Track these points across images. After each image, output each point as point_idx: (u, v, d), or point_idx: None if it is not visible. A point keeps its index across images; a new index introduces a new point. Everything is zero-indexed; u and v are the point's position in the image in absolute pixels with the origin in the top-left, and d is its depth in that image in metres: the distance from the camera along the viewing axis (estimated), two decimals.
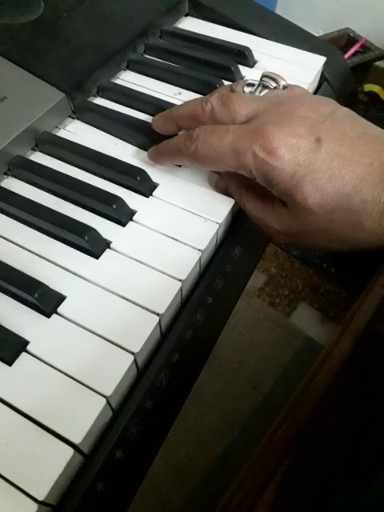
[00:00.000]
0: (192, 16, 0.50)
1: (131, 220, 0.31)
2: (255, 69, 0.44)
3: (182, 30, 0.47)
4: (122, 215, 0.31)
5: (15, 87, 0.36)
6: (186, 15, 0.50)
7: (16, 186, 0.33)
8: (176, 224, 0.30)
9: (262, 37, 0.48)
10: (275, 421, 0.62)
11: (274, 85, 0.32)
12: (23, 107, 0.35)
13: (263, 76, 0.33)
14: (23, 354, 0.25)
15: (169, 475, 0.74)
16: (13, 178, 0.34)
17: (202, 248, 0.29)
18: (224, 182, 0.32)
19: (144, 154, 0.35)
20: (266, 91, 0.32)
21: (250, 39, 0.47)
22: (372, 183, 0.26)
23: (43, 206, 0.31)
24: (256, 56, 0.45)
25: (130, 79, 0.42)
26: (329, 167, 0.26)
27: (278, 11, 0.52)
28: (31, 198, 0.32)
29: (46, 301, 0.26)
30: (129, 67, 0.43)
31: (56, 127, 0.37)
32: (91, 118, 0.38)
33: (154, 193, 0.33)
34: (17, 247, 0.30)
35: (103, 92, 0.40)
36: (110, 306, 0.27)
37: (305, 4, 1.31)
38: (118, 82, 0.42)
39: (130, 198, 0.32)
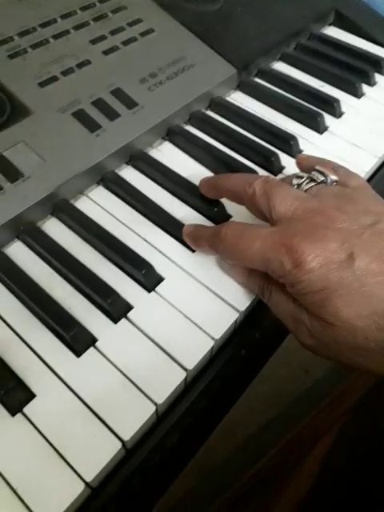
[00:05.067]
0: (335, 26, 0.58)
1: None
2: None
3: (327, 35, 0.56)
4: None
5: (201, 58, 0.45)
6: (330, 24, 0.59)
7: (198, 134, 0.42)
8: None
9: None
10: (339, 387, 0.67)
11: (322, 179, 0.30)
12: (206, 74, 0.45)
13: (313, 169, 0.31)
14: (128, 316, 0.30)
15: (216, 430, 0.82)
16: (193, 128, 0.43)
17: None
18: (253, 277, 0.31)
19: (292, 123, 0.44)
20: (312, 184, 0.30)
21: None
22: None
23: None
24: None
25: (282, 69, 0.51)
26: (362, 284, 0.24)
27: None
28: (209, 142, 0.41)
29: (149, 278, 0.32)
30: (282, 59, 0.52)
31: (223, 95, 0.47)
32: (252, 92, 0.47)
33: None
34: None
35: (262, 74, 0.49)
36: (199, 294, 0.32)
37: None
38: (273, 68, 0.51)
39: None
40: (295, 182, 0.31)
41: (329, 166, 0.32)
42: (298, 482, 0.49)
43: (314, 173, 0.31)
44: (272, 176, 0.32)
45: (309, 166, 0.32)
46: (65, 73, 0.39)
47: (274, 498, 0.50)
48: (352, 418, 0.55)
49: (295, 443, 0.62)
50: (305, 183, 0.30)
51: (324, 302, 0.25)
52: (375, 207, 0.28)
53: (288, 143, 0.42)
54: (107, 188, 0.37)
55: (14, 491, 0.24)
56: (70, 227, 0.34)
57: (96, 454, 0.25)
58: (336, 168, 0.32)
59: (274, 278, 0.27)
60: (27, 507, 0.24)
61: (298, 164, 0.34)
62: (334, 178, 0.31)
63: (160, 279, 0.32)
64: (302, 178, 0.31)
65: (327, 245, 0.25)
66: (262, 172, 0.40)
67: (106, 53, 0.42)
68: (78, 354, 0.28)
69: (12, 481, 0.24)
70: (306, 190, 0.30)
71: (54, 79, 0.39)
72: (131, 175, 0.38)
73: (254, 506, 0.53)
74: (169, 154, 0.40)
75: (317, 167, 0.31)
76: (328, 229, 0.26)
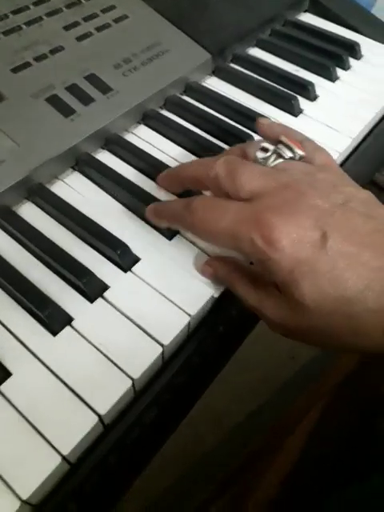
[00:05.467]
0: (310, 13, 0.59)
1: None
2: (361, 61, 0.52)
3: (302, 21, 0.56)
4: None
5: (175, 44, 0.46)
6: (305, 11, 0.59)
7: (173, 118, 0.43)
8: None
9: (369, 37, 0.56)
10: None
11: (290, 155, 0.29)
12: (180, 60, 0.45)
13: (279, 142, 0.29)
14: (104, 295, 0.30)
15: (206, 418, 0.82)
16: (168, 112, 0.43)
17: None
18: (212, 268, 0.31)
19: (267, 106, 0.45)
20: (279, 161, 0.29)
21: (359, 38, 0.55)
22: (379, 291, 0.23)
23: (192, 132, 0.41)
24: (363, 52, 0.53)
25: (257, 54, 0.51)
26: (332, 268, 0.23)
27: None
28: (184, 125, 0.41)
29: (125, 258, 0.32)
30: (257, 45, 0.52)
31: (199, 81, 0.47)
32: (227, 77, 0.47)
33: None
34: None
35: (237, 60, 0.50)
36: (175, 274, 0.32)
37: None
38: (249, 53, 0.51)
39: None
40: (260, 155, 0.29)
41: (295, 139, 0.30)
42: (283, 458, 0.50)
43: (280, 147, 0.29)
44: (233, 156, 0.29)
45: (273, 134, 0.31)
46: (38, 59, 0.39)
47: (259, 475, 0.50)
48: (337, 395, 0.56)
49: (280, 425, 0.62)
50: (272, 160, 0.29)
51: (293, 282, 0.24)
52: (343, 186, 0.27)
53: None
54: (82, 172, 0.37)
55: None
56: (45, 211, 0.35)
57: (73, 429, 0.26)
58: (302, 141, 0.31)
59: (242, 255, 0.27)
60: (4, 481, 0.24)
61: (261, 131, 0.33)
62: (302, 153, 0.29)
63: (136, 260, 0.33)
64: (267, 151, 0.29)
65: (300, 221, 0.24)
66: None
67: (79, 39, 0.42)
68: (54, 332, 0.29)
69: None
70: (272, 167, 0.29)
71: (27, 65, 0.39)
72: (107, 159, 0.38)
73: (238, 488, 0.53)
74: (144, 138, 0.41)
75: (283, 140, 0.29)
76: (300, 204, 0.25)
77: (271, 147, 0.29)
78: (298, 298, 0.24)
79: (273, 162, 0.29)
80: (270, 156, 0.29)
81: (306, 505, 0.48)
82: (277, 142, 0.30)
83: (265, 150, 0.29)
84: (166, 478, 0.81)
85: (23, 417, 0.26)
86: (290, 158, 0.29)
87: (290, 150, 0.29)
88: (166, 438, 0.32)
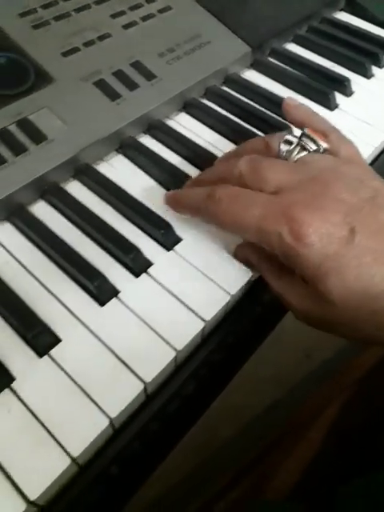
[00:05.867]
0: (346, 11, 0.60)
1: None
2: None
3: (338, 19, 0.57)
4: None
5: (217, 36, 0.47)
6: (341, 10, 0.60)
7: (214, 107, 0.44)
8: None
9: None
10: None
11: (314, 147, 0.29)
12: (221, 52, 0.46)
13: (303, 135, 0.29)
14: (148, 271, 0.31)
15: (222, 410, 0.83)
16: (209, 101, 0.45)
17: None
18: (242, 254, 0.31)
19: (304, 100, 0.46)
20: (304, 153, 0.29)
21: None
22: None
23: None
24: None
25: (294, 49, 0.52)
26: (359, 264, 0.23)
27: None
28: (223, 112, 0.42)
29: (168, 238, 0.33)
30: (294, 40, 0.53)
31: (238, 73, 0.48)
32: (266, 71, 0.48)
33: None
34: None
35: (275, 54, 0.51)
36: (216, 253, 0.33)
37: None
38: (286, 48, 0.52)
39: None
40: (284, 148, 0.29)
41: (321, 128, 0.30)
42: (304, 448, 0.51)
43: (304, 139, 0.29)
44: (255, 155, 0.29)
45: (299, 116, 0.32)
46: (86, 44, 0.41)
47: (277, 465, 0.51)
48: (357, 389, 0.57)
49: (297, 420, 0.63)
50: (295, 152, 0.29)
51: (321, 277, 0.24)
52: (370, 180, 0.27)
53: None
54: (126, 155, 0.39)
55: (43, 425, 0.25)
56: (91, 189, 0.36)
57: (119, 394, 0.27)
58: (328, 132, 0.30)
59: (267, 249, 0.26)
60: (57, 441, 0.25)
61: (287, 111, 0.33)
62: (326, 145, 0.29)
63: (178, 239, 0.34)
64: (291, 143, 0.29)
65: (328, 216, 0.24)
66: None
67: (125, 27, 0.43)
68: (102, 303, 0.30)
69: (40, 415, 0.26)
70: (296, 160, 0.29)
71: (76, 50, 0.40)
72: (149, 143, 0.40)
73: (255, 476, 0.54)
74: (185, 125, 0.42)
75: (307, 133, 0.29)
76: (328, 198, 0.25)
77: (295, 139, 0.29)
78: (325, 292, 0.24)
79: (297, 154, 0.29)
80: (294, 148, 0.29)
81: (321, 492, 0.49)
82: (300, 135, 0.29)
83: (288, 142, 0.29)
84: (180, 470, 0.82)
85: (72, 380, 0.27)
86: (314, 151, 0.29)
87: (314, 142, 0.29)
88: (202, 412, 0.33)
